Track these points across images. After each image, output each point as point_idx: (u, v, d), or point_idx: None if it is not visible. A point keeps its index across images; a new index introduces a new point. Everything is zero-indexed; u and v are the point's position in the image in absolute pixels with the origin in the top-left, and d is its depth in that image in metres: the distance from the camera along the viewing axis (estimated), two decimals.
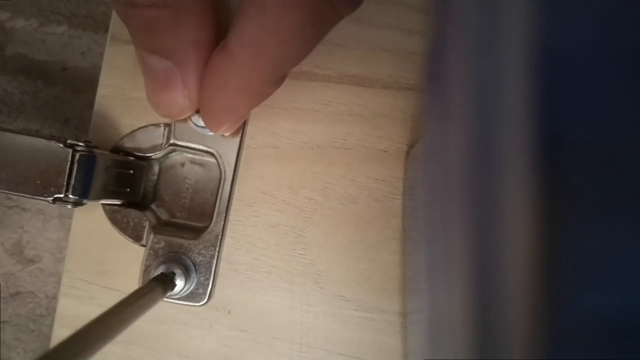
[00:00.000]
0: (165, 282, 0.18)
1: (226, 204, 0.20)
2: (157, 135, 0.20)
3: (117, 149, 0.20)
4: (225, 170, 0.20)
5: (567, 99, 0.09)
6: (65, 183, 0.16)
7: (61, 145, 0.16)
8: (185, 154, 0.21)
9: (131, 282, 0.20)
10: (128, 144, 0.20)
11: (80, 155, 0.16)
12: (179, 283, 0.19)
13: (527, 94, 0.09)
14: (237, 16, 0.15)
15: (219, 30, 0.17)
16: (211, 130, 0.18)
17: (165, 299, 0.19)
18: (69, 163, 0.16)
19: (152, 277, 0.19)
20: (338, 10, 0.15)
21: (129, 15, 0.16)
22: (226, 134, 0.19)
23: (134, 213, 0.20)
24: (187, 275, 0.19)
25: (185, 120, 0.19)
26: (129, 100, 0.20)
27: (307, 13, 0.14)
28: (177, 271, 0.19)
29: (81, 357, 0.11)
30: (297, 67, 0.19)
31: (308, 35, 0.15)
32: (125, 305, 0.14)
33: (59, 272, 0.28)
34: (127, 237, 0.20)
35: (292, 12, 0.14)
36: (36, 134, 0.17)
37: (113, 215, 0.20)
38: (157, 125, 0.20)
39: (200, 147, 0.20)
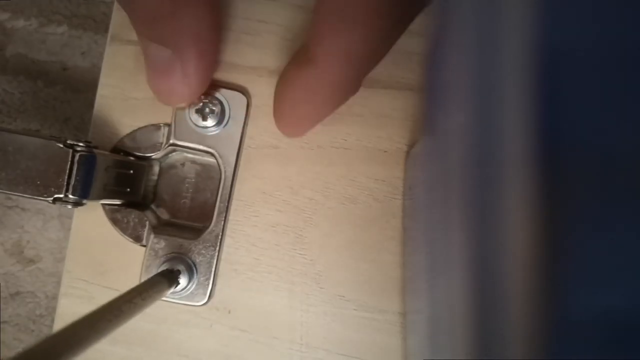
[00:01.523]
0: (170, 277, 0.18)
1: (226, 204, 0.20)
2: (157, 135, 0.20)
3: (117, 149, 0.20)
4: (225, 170, 0.20)
5: (567, 99, 0.09)
6: (65, 183, 0.16)
7: (61, 146, 0.16)
8: (185, 154, 0.21)
9: (131, 282, 0.20)
10: (128, 144, 0.20)
11: (80, 156, 0.16)
12: (181, 283, 0.19)
13: (526, 93, 0.09)
14: (321, 28, 0.15)
15: (219, 20, 0.17)
16: (289, 137, 0.19)
17: (165, 299, 0.19)
18: (69, 163, 0.16)
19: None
20: (419, 11, 0.15)
21: (131, 5, 0.16)
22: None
23: (134, 213, 0.20)
24: (187, 275, 0.19)
25: (185, 120, 0.19)
26: (129, 100, 0.20)
27: (397, 17, 0.15)
28: (180, 269, 0.19)
29: (80, 345, 0.11)
30: None
31: (396, 37, 0.16)
32: (131, 296, 0.14)
33: (59, 272, 0.28)
34: (127, 237, 0.20)
35: (384, 20, 0.14)
36: (36, 134, 0.17)
37: (113, 215, 0.20)
38: (157, 125, 0.20)
39: (200, 147, 0.20)
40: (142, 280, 0.19)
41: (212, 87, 0.19)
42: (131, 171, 0.20)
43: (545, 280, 0.09)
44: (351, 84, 0.16)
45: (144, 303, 0.14)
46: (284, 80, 0.17)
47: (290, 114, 0.17)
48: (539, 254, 0.09)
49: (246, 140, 0.20)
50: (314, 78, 0.16)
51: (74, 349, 0.11)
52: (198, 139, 0.20)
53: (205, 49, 0.17)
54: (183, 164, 0.21)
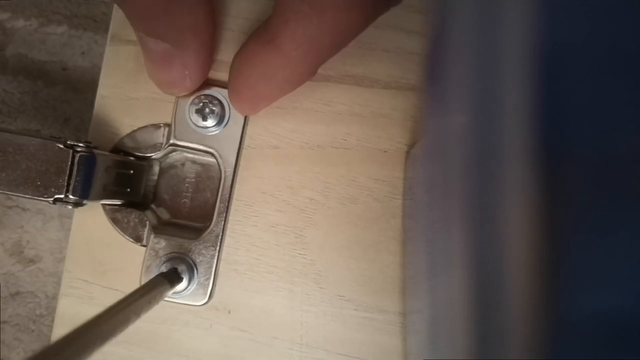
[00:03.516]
0: (172, 277, 0.18)
1: (226, 204, 0.20)
2: (157, 135, 0.20)
3: (117, 149, 0.20)
4: (225, 170, 0.20)
5: (566, 98, 0.09)
6: (65, 184, 0.16)
7: (61, 146, 0.16)
8: (185, 154, 0.21)
9: (131, 282, 0.20)
10: (128, 144, 0.20)
11: (80, 156, 0.16)
12: (181, 282, 0.19)
13: (526, 93, 0.09)
14: (286, 12, 0.15)
15: (214, 9, 0.18)
16: (243, 114, 0.19)
17: (165, 299, 0.19)
18: (69, 164, 0.16)
19: (152, 277, 0.19)
20: (390, 4, 0.16)
21: (124, 2, 0.16)
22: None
23: (134, 213, 0.20)
24: (187, 275, 0.19)
25: (185, 120, 0.19)
26: (129, 100, 0.20)
27: (366, 10, 0.15)
28: (180, 269, 0.19)
29: (87, 349, 0.11)
30: None
31: (361, 30, 0.16)
32: (133, 298, 0.14)
33: (59, 272, 0.28)
34: (127, 237, 0.20)
35: (353, 12, 0.14)
36: (36, 134, 0.17)
37: (113, 215, 0.20)
38: (157, 125, 0.20)
39: (200, 147, 0.20)
40: (143, 280, 0.19)
41: (212, 87, 0.19)
42: (131, 171, 0.20)
43: (545, 281, 0.09)
44: (311, 69, 0.17)
45: (147, 305, 0.14)
46: (243, 56, 0.17)
47: (246, 91, 0.17)
48: (539, 254, 0.09)
49: (246, 140, 0.20)
50: (275, 60, 0.16)
51: (79, 354, 0.11)
52: (198, 139, 0.20)
53: (203, 40, 0.17)
54: (183, 164, 0.21)
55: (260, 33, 0.16)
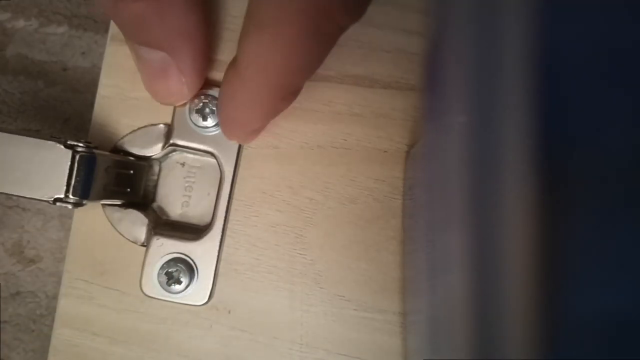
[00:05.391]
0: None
1: (226, 204, 0.20)
2: (157, 135, 0.20)
3: (117, 149, 0.20)
4: (225, 170, 0.20)
5: (566, 98, 0.09)
6: (65, 184, 0.16)
7: (61, 146, 0.16)
8: (185, 154, 0.21)
9: (131, 282, 0.20)
10: (128, 144, 0.20)
11: (80, 156, 0.16)
12: (182, 282, 0.19)
13: (526, 93, 0.09)
14: (242, 33, 0.15)
15: (207, 13, 0.17)
16: (234, 141, 0.19)
17: (165, 299, 0.19)
18: (69, 164, 0.16)
19: (152, 277, 0.19)
20: (337, 23, 0.15)
21: (115, 11, 0.16)
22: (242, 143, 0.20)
23: (134, 213, 0.20)
24: (187, 275, 0.19)
25: (185, 120, 0.19)
26: (129, 100, 0.20)
27: (304, 27, 0.14)
28: (180, 269, 0.19)
29: None
30: None
31: (308, 49, 0.15)
32: None
33: (59, 272, 0.28)
34: (127, 237, 0.20)
35: (288, 26, 0.14)
36: (36, 134, 0.17)
37: (113, 215, 0.20)
38: (157, 125, 0.20)
39: (200, 147, 0.20)
40: (143, 280, 0.19)
41: (212, 87, 0.19)
42: (131, 171, 0.20)
43: (545, 280, 0.09)
44: (270, 91, 0.16)
45: None
46: (223, 79, 0.17)
47: (222, 114, 0.18)
48: (539, 254, 0.09)
49: None
50: (235, 79, 0.16)
51: None
52: (198, 139, 0.20)
53: (198, 45, 0.17)
54: (183, 164, 0.21)
55: (232, 59, 0.16)
